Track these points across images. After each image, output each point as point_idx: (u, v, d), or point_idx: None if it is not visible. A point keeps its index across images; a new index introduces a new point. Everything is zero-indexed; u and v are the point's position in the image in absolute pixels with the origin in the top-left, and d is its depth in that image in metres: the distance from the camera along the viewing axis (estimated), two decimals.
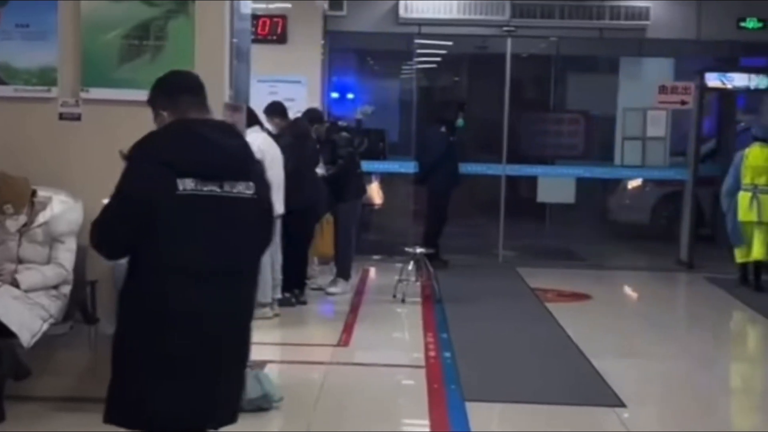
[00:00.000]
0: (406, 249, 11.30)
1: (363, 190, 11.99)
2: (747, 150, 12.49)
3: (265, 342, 8.94)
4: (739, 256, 12.49)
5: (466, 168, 13.89)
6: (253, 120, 9.97)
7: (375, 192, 16.11)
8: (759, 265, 12.38)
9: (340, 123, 11.94)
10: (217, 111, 6.83)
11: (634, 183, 16.01)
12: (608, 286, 12.58)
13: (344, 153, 11.37)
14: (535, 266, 13.81)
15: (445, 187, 13.35)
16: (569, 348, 9.08)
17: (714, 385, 8.36)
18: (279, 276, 10.09)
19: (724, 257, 14.77)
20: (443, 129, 13.34)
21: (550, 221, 16.12)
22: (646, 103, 13.87)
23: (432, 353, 8.72)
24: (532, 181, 14.30)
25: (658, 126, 13.97)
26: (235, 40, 6.98)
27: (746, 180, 12.33)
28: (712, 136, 16.32)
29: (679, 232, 14.23)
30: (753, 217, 12.18)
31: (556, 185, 14.08)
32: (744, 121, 16.95)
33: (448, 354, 8.67)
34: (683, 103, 13.70)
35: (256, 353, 8.02)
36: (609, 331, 10.08)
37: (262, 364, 7.95)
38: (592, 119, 14.73)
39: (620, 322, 10.58)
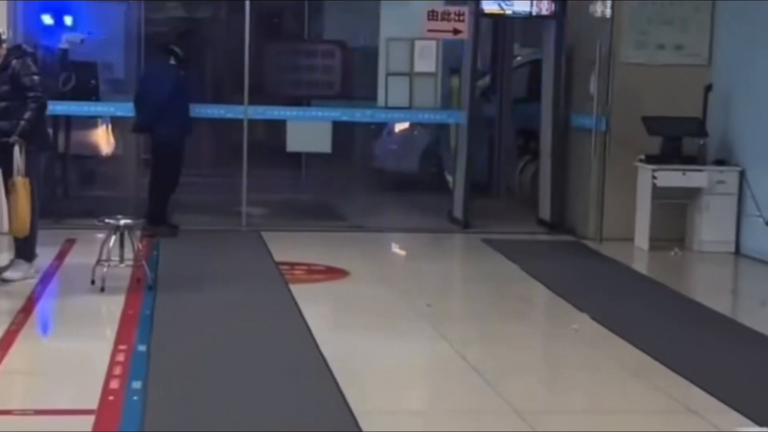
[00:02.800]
0: (107, 220, 8.30)
1: (49, 142, 8.90)
2: None
3: None
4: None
5: (200, 111, 10.97)
6: None
7: (102, 139, 13.00)
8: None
9: (25, 47, 8.68)
10: None
11: (400, 126, 13.47)
12: (370, 256, 9.95)
13: (29, 83, 8.18)
14: (285, 229, 11.08)
15: (175, 134, 10.40)
16: (311, 360, 6.40)
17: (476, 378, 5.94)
18: None
19: (502, 211, 12.58)
20: (173, 62, 10.36)
21: (306, 173, 13.37)
22: (413, 32, 11.24)
23: (114, 385, 5.83)
24: (281, 125, 11.48)
25: (427, 59, 11.37)
26: None
27: None
28: (486, 72, 13.95)
29: (453, 184, 11.75)
30: None
31: (309, 131, 11.32)
32: (522, 55, 14.68)
33: (137, 384, 5.82)
34: (456, 32, 11.14)
35: None
36: (364, 325, 7.46)
37: None
38: (351, 52, 11.98)
39: (380, 310, 7.92)
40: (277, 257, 9.58)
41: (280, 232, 10.87)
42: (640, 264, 10.13)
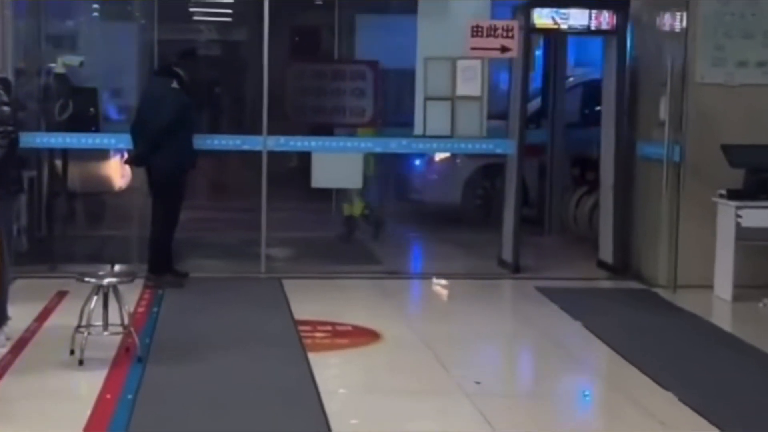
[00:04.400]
0: (86, 279, 6.82)
1: (21, 185, 7.46)
2: None
3: None
4: (348, 209, 11.10)
5: (212, 142, 9.55)
6: None
7: (114, 173, 11.60)
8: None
9: None
10: None
11: (441, 155, 11.96)
12: (406, 310, 8.42)
13: None
14: (310, 275, 9.58)
15: (176, 168, 8.95)
16: None
17: None
18: None
19: (557, 251, 11.05)
20: (175, 84, 8.92)
21: (337, 209, 11.84)
22: (455, 50, 9.72)
23: None
24: (306, 158, 10.00)
25: (471, 81, 9.83)
26: None
27: None
28: (536, 94, 12.42)
29: (501, 221, 10.19)
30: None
31: (336, 164, 9.82)
32: (574, 76, 13.17)
33: None
34: (504, 49, 9.61)
35: None
36: (394, 410, 5.91)
37: None
38: (384, 73, 10.46)
39: (416, 389, 6.38)
40: (298, 313, 8.09)
41: (304, 280, 9.39)
42: (724, 319, 8.52)
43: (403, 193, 12.24)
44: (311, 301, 8.64)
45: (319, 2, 12.73)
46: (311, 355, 6.91)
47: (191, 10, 14.82)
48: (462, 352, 7.22)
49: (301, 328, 7.65)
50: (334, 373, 6.63)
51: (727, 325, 8.32)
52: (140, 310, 8.08)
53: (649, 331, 7.91)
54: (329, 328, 7.75)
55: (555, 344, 7.46)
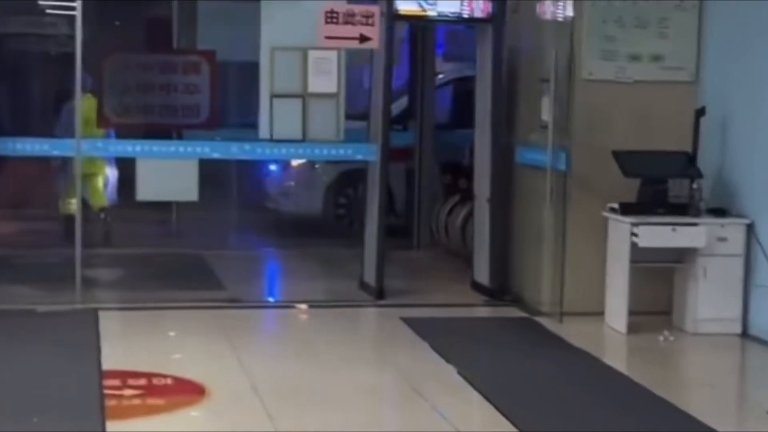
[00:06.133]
0: None
1: None
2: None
3: None
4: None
5: (14, 146, 7.81)
6: None
7: None
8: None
9: None
10: None
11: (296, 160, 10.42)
12: (242, 354, 6.74)
13: None
14: (135, 305, 7.90)
15: None
16: None
17: None
18: None
19: (426, 268, 9.64)
20: None
21: (178, 220, 10.13)
22: (306, 39, 8.14)
23: None
24: (130, 165, 8.31)
25: (326, 75, 8.27)
26: None
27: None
28: (402, 92, 10.96)
29: (363, 238, 8.68)
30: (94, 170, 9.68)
31: (166, 172, 8.13)
32: (445, 72, 11.79)
33: None
34: (364, 39, 8.08)
35: None
36: None
37: None
38: (222, 66, 8.81)
39: None
40: (109, 361, 6.40)
41: (126, 312, 7.72)
42: (619, 358, 7.15)
43: (252, 201, 10.60)
44: (130, 341, 7.00)
45: None
46: (111, 426, 5.24)
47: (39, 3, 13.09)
48: (305, 415, 5.61)
49: (108, 383, 5.96)
50: None
51: (623, 366, 6.93)
52: None
53: (534, 379, 6.44)
54: (143, 382, 6.06)
55: (425, 400, 5.91)
